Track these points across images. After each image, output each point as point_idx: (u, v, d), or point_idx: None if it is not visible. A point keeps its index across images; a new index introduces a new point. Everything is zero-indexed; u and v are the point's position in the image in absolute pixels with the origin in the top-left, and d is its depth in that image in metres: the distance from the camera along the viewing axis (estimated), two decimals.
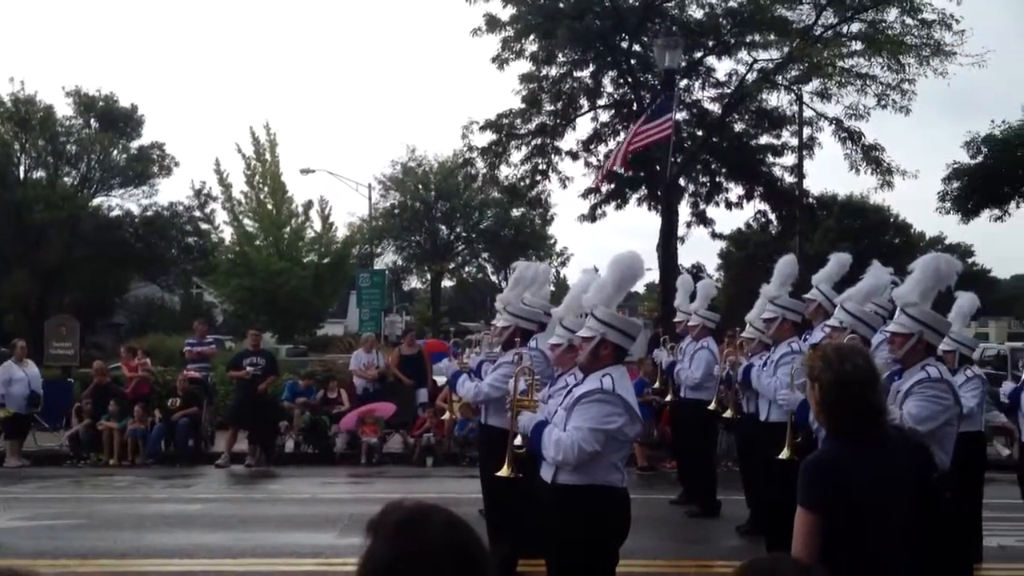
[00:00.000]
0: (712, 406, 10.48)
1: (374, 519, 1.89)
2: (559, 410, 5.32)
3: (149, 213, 41.50)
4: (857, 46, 24.09)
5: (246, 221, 35.87)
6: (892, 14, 23.88)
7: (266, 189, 35.27)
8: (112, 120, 39.59)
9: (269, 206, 35.37)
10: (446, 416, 13.38)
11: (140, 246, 40.06)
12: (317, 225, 38.00)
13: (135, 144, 41.12)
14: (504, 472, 6.34)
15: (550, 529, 5.24)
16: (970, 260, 64.23)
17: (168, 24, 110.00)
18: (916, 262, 6.12)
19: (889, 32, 23.79)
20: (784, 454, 7.44)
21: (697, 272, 27.40)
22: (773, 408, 8.34)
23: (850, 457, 3.50)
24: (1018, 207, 32.78)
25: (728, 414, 10.28)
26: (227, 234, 38.80)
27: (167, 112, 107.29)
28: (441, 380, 16.71)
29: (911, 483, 3.55)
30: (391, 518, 1.88)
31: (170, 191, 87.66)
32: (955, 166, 32.27)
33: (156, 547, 9.43)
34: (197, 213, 42.12)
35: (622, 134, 26.61)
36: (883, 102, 24.29)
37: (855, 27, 24.43)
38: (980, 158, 31.65)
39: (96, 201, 40.62)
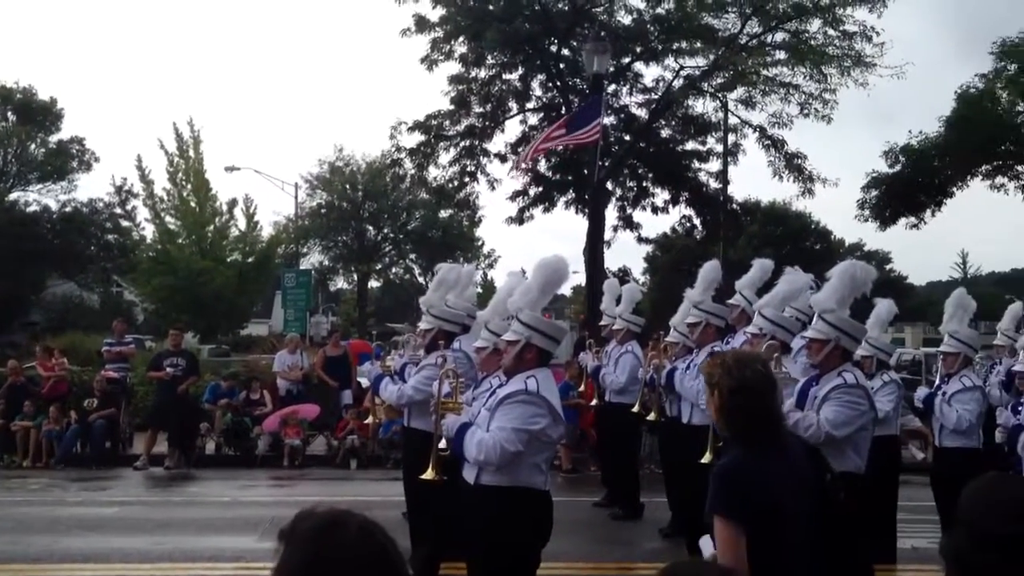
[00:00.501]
0: (636, 409, 10.56)
1: (287, 526, 1.86)
2: (482, 411, 5.33)
3: (68, 209, 40.63)
4: (781, 55, 24.55)
5: (168, 219, 35.23)
6: (815, 25, 24.38)
7: (189, 186, 34.68)
8: (30, 113, 38.66)
9: (192, 204, 34.78)
10: (369, 419, 13.30)
11: (58, 243, 39.17)
12: (242, 224, 37.48)
13: (54, 138, 40.26)
14: (428, 476, 6.33)
15: (472, 531, 5.24)
16: (887, 267, 65.75)
17: (90, 16, 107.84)
18: (833, 269, 6.25)
19: (812, 43, 24.27)
20: (706, 458, 7.52)
21: (623, 276, 27.59)
22: (696, 411, 8.45)
23: (760, 463, 3.57)
24: (933, 215, 33.67)
25: (651, 417, 10.36)
26: (149, 232, 38.07)
27: (87, 106, 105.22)
28: (366, 382, 16.62)
29: (811, 486, 3.66)
30: (305, 525, 1.84)
31: (90, 187, 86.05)
32: (874, 175, 33.03)
33: (71, 551, 9.21)
34: (118, 210, 41.36)
35: (544, 131, 26.78)
36: (805, 111, 24.80)
37: (779, 37, 24.88)
38: (898, 167, 32.44)
39: (12, 196, 39.64)
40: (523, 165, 21.29)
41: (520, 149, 26.60)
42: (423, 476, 6.36)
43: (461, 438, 5.27)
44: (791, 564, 3.52)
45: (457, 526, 5.62)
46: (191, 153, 34.53)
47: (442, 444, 5.99)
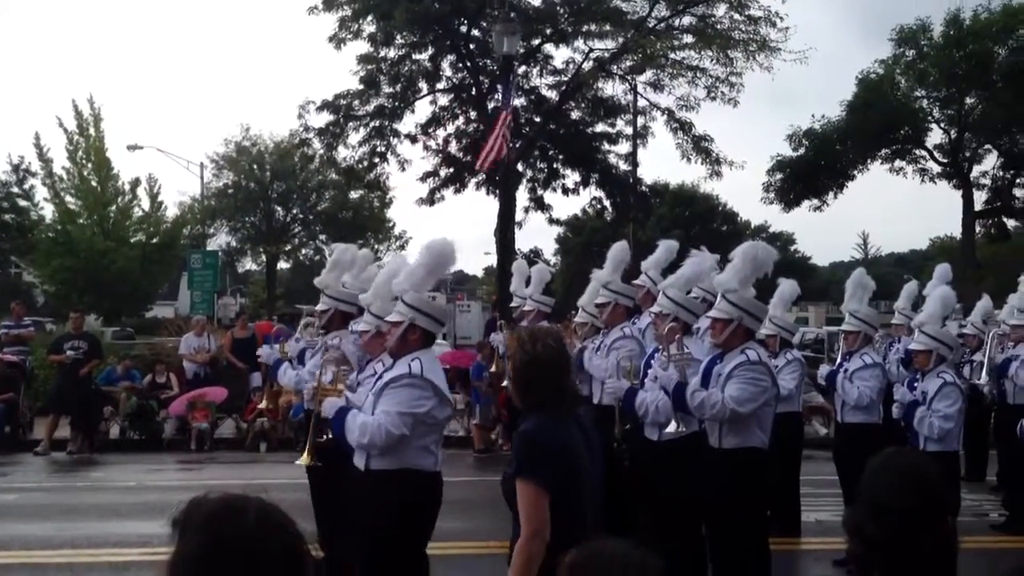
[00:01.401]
0: None
1: (179, 513, 1.80)
2: (368, 396, 5.33)
3: None
4: (688, 39, 24.89)
5: (68, 198, 34.23)
6: (721, 9, 24.79)
7: (90, 165, 33.72)
8: None
9: (93, 183, 33.84)
10: (263, 404, 13.18)
11: None
12: (145, 204, 36.57)
13: None
14: (303, 460, 6.35)
15: (364, 515, 5.25)
16: (792, 248, 67.24)
17: None
18: (736, 250, 6.37)
19: (718, 27, 24.66)
20: (616, 434, 7.61)
21: (534, 257, 27.79)
22: (605, 391, 8.55)
23: (558, 429, 3.72)
24: (835, 198, 34.61)
25: None
26: (48, 212, 36.95)
27: None
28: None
29: (600, 452, 3.84)
30: (200, 511, 1.80)
31: None
32: (778, 158, 33.76)
33: None
34: (15, 189, 40.08)
35: (461, 118, 26.74)
36: (712, 94, 25.21)
37: (687, 20, 25.23)
38: (801, 151, 33.20)
39: None
40: (487, 164, 21.09)
41: (431, 130, 26.55)
42: (298, 461, 6.36)
43: (340, 422, 5.27)
44: (588, 523, 3.65)
45: (345, 513, 5.63)
46: (92, 131, 33.57)
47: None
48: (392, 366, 5.30)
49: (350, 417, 5.22)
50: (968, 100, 31.92)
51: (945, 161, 33.09)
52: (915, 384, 7.54)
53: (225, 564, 1.73)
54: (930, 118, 32.93)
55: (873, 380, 8.14)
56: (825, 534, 8.99)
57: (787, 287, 9.44)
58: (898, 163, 33.73)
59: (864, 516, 2.24)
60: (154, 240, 36.09)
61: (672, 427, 6.41)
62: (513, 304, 12.15)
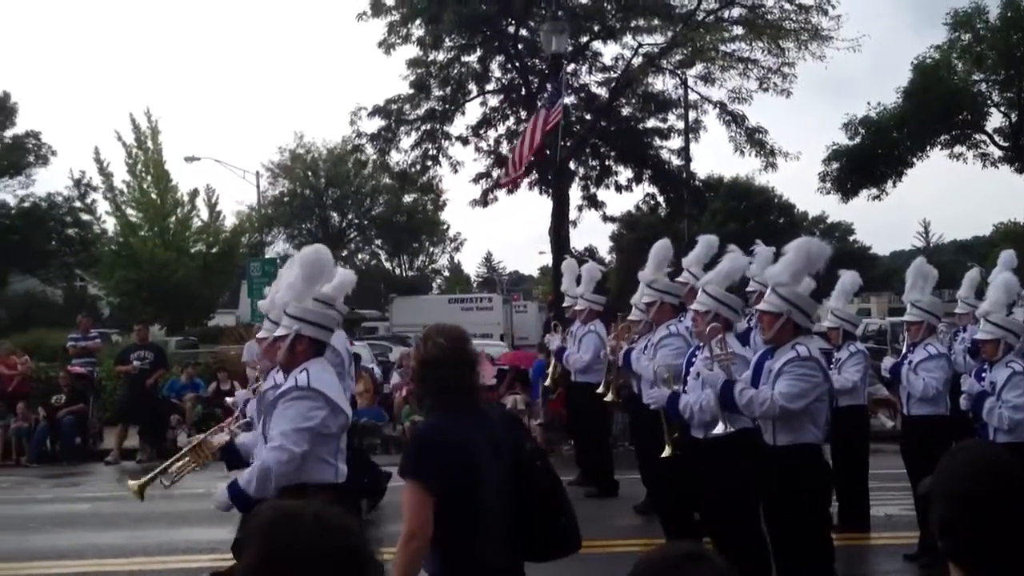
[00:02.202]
0: (600, 389, 10.60)
1: (245, 525, 1.85)
2: (254, 415, 5.31)
3: (26, 204, 40.09)
4: (738, 31, 24.67)
5: (129, 211, 34.83)
6: None
7: (149, 178, 34.28)
8: None
9: (153, 195, 34.40)
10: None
11: (17, 238, 38.63)
12: (204, 214, 37.12)
13: (9, 133, 39.69)
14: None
15: None
16: (851, 238, 66.31)
17: (43, 8, 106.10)
18: (789, 244, 6.28)
19: (768, 17, 24.41)
20: (666, 452, 7.52)
21: (583, 256, 27.71)
22: (648, 399, 8.46)
23: (456, 429, 3.68)
24: (894, 186, 34.04)
25: (609, 397, 10.38)
26: (110, 225, 37.62)
27: (43, 100, 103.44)
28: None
29: (509, 456, 3.72)
30: (256, 521, 1.82)
31: (48, 181, 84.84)
32: (834, 148, 33.32)
33: (43, 549, 9.14)
34: (77, 204, 40.85)
35: (511, 118, 26.77)
36: (764, 85, 24.97)
37: (736, 12, 25.00)
38: (858, 140, 32.73)
39: None
40: (513, 177, 21.14)
41: (482, 132, 26.60)
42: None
43: (237, 454, 5.38)
44: (486, 527, 3.61)
45: None
46: (150, 144, 34.13)
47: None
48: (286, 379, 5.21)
49: (256, 449, 5.16)
50: None
51: (1006, 145, 32.43)
52: (983, 374, 7.38)
53: (284, 571, 1.75)
54: (989, 102, 32.29)
55: (938, 371, 8.00)
56: (895, 529, 8.87)
57: (848, 279, 9.33)
58: (958, 148, 33.11)
59: (955, 512, 2.20)
60: (214, 250, 36.60)
61: (720, 427, 6.34)
62: (565, 304, 12.14)
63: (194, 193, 36.45)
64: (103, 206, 37.96)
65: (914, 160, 33.56)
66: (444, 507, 3.55)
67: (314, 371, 5.07)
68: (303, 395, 4.96)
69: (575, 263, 12.37)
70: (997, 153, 32.79)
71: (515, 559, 3.63)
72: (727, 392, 6.07)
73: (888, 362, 9.09)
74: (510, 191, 27.05)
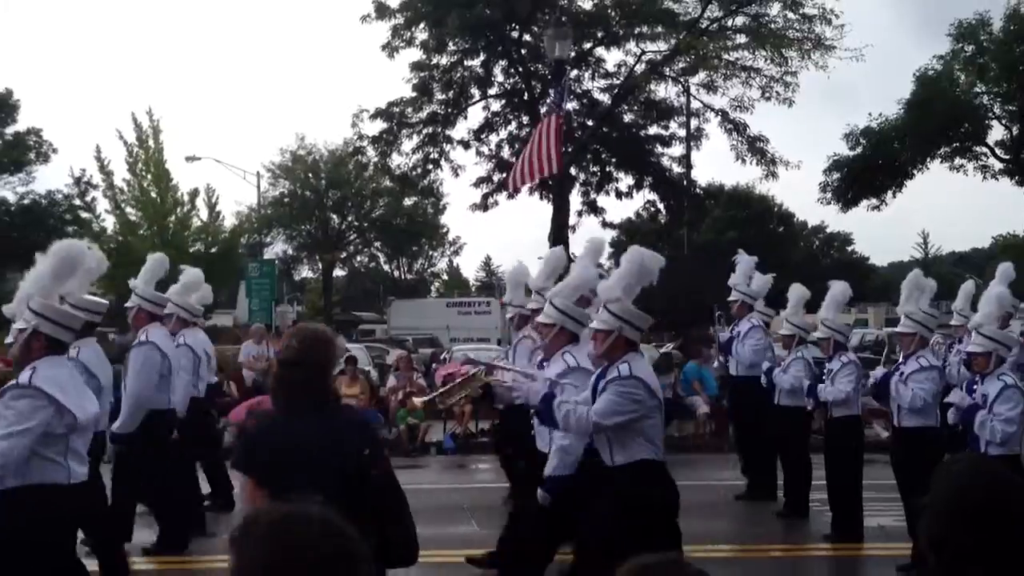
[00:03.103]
0: None
1: (237, 530, 1.82)
2: None
3: (26, 201, 40.06)
4: (741, 39, 24.69)
5: (129, 210, 34.79)
6: (775, 8, 24.57)
7: (149, 177, 34.24)
8: None
9: (153, 194, 34.36)
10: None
11: (16, 235, 38.59)
12: (204, 214, 37.07)
13: (10, 130, 39.62)
14: None
15: None
16: (849, 248, 66.33)
17: (46, 5, 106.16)
18: (623, 256, 6.06)
19: (772, 26, 24.44)
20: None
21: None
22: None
23: (285, 428, 3.75)
24: (894, 197, 34.06)
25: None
26: (109, 223, 37.58)
27: (44, 97, 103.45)
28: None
29: (343, 462, 3.71)
30: (260, 524, 1.82)
31: (48, 179, 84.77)
32: (835, 157, 33.33)
33: None
34: (77, 202, 40.80)
35: (513, 123, 26.76)
36: (767, 94, 24.99)
37: (739, 20, 25.03)
38: (859, 150, 32.74)
39: None
40: (518, 186, 21.10)
41: (484, 136, 26.61)
42: None
43: None
44: None
45: None
46: (151, 143, 34.10)
47: None
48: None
49: None
50: None
51: (1007, 157, 32.44)
52: (974, 387, 7.37)
53: (294, 572, 1.74)
54: (991, 114, 32.32)
55: (928, 383, 7.99)
56: (888, 539, 8.84)
57: (838, 289, 9.41)
58: (958, 160, 33.13)
59: (951, 525, 2.19)
60: (212, 250, 36.56)
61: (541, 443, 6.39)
62: (508, 315, 11.54)
63: (194, 193, 36.41)
64: (103, 204, 37.92)
65: (914, 171, 33.58)
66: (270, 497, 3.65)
67: (42, 369, 4.93)
68: (24, 393, 4.82)
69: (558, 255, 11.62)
70: (998, 165, 32.83)
71: None
72: (547, 407, 5.94)
73: (878, 372, 9.12)
74: (510, 195, 27.07)
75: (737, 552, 9.03)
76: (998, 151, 32.66)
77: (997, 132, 32.50)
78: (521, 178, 18.68)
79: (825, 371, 8.91)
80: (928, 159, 33.05)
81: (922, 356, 8.17)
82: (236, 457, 3.83)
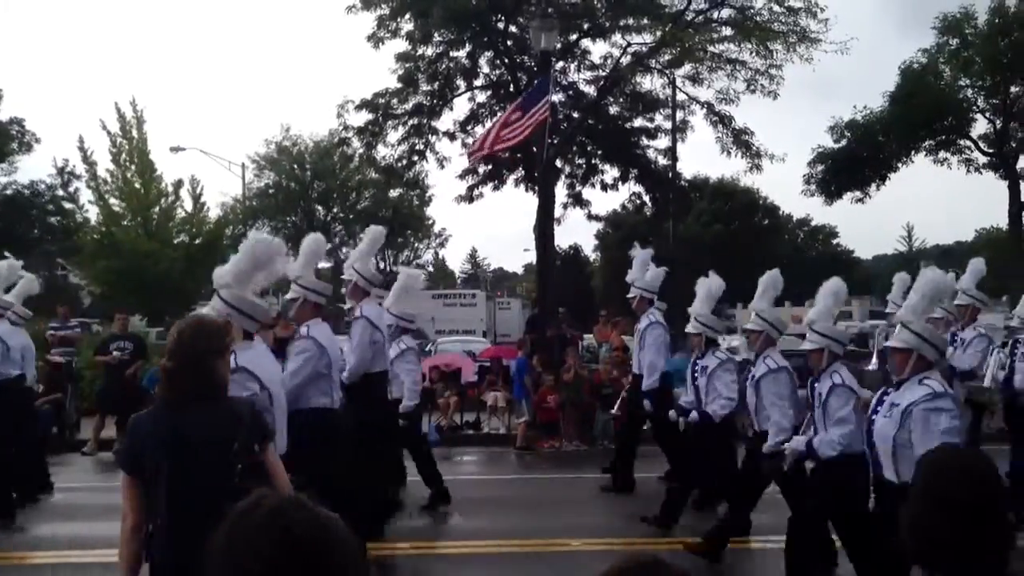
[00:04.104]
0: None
1: (233, 513, 1.90)
2: None
3: (8, 191, 39.87)
4: (727, 32, 24.68)
5: (112, 200, 34.59)
6: (760, 1, 24.54)
7: (133, 168, 34.05)
8: None
9: (137, 185, 34.17)
10: None
11: None
12: (188, 205, 36.91)
13: None
14: None
15: None
16: (834, 241, 66.66)
17: None
18: (243, 244, 5.80)
19: (757, 18, 24.44)
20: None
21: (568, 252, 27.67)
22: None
23: (154, 423, 3.81)
24: (878, 189, 34.21)
25: None
26: (92, 214, 37.40)
27: (28, 87, 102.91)
28: None
29: (214, 449, 3.75)
30: (264, 505, 1.86)
31: (31, 169, 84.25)
32: (819, 150, 33.46)
33: (17, 540, 9.09)
34: (60, 192, 40.63)
35: (499, 115, 26.69)
36: (752, 87, 24.96)
37: (725, 13, 25.01)
38: (843, 142, 32.87)
39: None
40: (479, 154, 21.15)
41: (469, 128, 26.56)
42: None
43: None
44: (177, 517, 3.71)
45: None
46: (134, 133, 33.91)
47: None
48: None
49: None
50: (1013, 89, 31.44)
51: (991, 151, 32.62)
52: (815, 384, 7.06)
53: (298, 556, 1.76)
54: (975, 108, 32.49)
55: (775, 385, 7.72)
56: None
57: (713, 282, 9.30)
58: (942, 154, 33.29)
59: (929, 513, 2.23)
60: (197, 241, 36.40)
61: None
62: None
63: (178, 184, 36.22)
64: (86, 195, 37.76)
65: (898, 164, 33.74)
66: (146, 493, 3.77)
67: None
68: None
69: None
70: (981, 159, 33.00)
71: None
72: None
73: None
74: (496, 187, 27.03)
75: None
76: (982, 145, 32.83)
77: (981, 126, 32.72)
78: (488, 146, 18.86)
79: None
80: (912, 152, 33.22)
81: (769, 356, 7.83)
82: (121, 453, 3.96)
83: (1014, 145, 32.54)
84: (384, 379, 9.17)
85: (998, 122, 32.14)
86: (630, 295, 11.23)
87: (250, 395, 4.86)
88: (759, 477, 7.73)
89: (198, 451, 3.72)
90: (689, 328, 9.22)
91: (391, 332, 9.67)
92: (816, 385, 6.82)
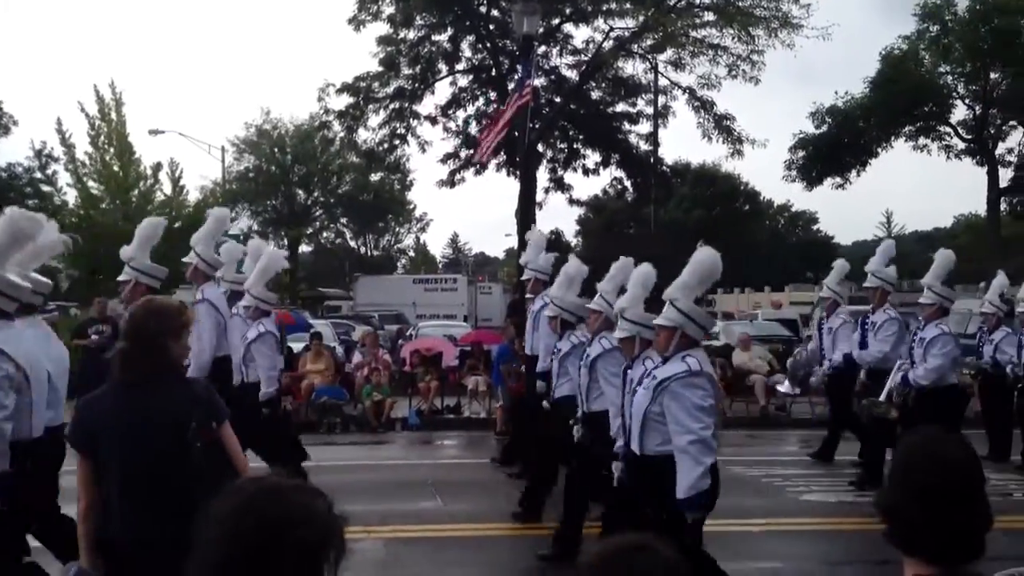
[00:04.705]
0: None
1: (225, 495, 1.88)
2: None
3: None
4: (709, 17, 24.66)
5: (91, 183, 34.31)
6: None
7: (112, 150, 33.78)
8: None
9: (115, 168, 33.89)
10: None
11: None
12: (167, 188, 36.66)
13: None
14: None
15: None
16: (815, 227, 66.88)
17: None
18: None
19: (739, 4, 24.43)
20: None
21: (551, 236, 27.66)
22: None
23: (102, 403, 3.85)
24: (858, 175, 34.35)
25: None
26: (71, 197, 37.13)
27: (4, 69, 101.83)
28: (297, 347, 16.49)
29: (164, 430, 3.76)
30: (256, 487, 1.88)
31: (8, 151, 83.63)
32: (800, 136, 33.53)
33: None
34: (38, 175, 40.30)
35: (480, 99, 26.66)
36: (733, 72, 24.99)
37: None
38: (824, 128, 32.95)
39: None
40: (483, 158, 21.18)
41: (451, 112, 26.50)
42: None
43: None
44: (126, 494, 3.73)
45: None
46: (113, 116, 33.61)
47: None
48: None
49: None
50: (993, 76, 31.58)
51: (970, 137, 32.78)
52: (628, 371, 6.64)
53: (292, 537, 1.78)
54: (955, 94, 32.63)
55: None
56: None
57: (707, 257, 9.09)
58: (922, 140, 33.45)
59: (906, 496, 2.26)
60: (176, 224, 36.06)
61: None
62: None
63: (157, 167, 35.95)
64: (64, 178, 37.43)
65: (879, 150, 33.88)
66: (96, 471, 3.78)
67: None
68: None
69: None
70: (961, 145, 33.17)
71: (165, 530, 3.46)
72: None
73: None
74: (477, 171, 27.00)
75: None
76: (961, 131, 32.99)
77: (960, 112, 32.87)
78: (484, 152, 18.98)
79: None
80: (892, 138, 33.34)
81: (604, 338, 7.59)
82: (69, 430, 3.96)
83: (993, 131, 32.71)
84: (228, 363, 9.16)
85: (977, 108, 32.29)
86: (525, 277, 11.19)
87: (3, 375, 4.89)
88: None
89: (154, 431, 3.74)
90: (548, 311, 9.05)
91: (248, 314, 9.48)
92: (629, 372, 6.53)
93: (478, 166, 26.83)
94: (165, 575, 2.54)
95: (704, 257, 5.99)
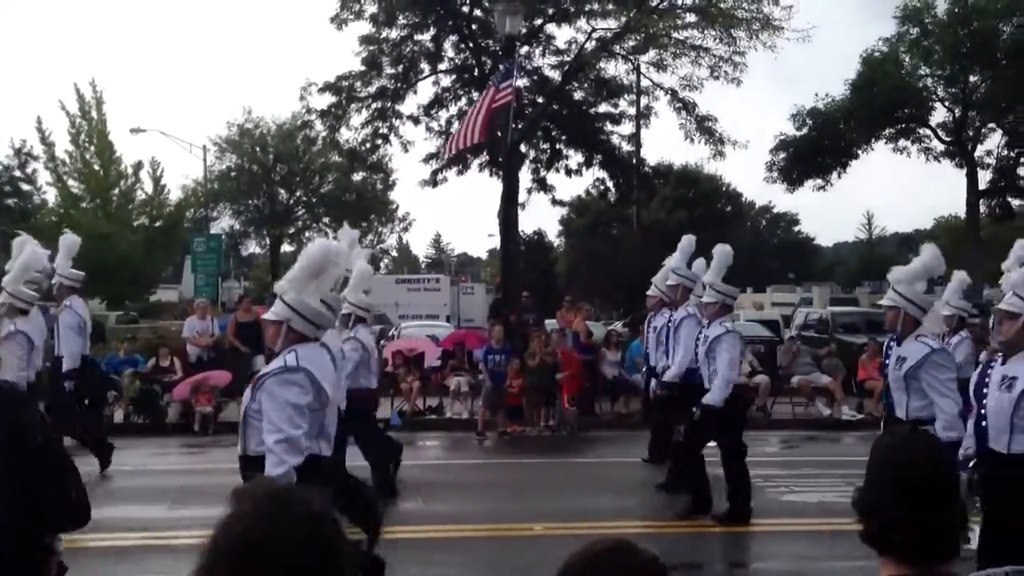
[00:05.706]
0: None
1: (244, 488, 1.84)
2: None
3: None
4: (691, 18, 24.71)
5: (71, 182, 34.22)
6: None
7: (92, 149, 33.68)
8: None
9: (96, 167, 33.80)
10: None
11: None
12: (148, 187, 36.59)
13: None
14: None
15: None
16: (796, 228, 67.17)
17: None
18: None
19: (721, 5, 24.49)
20: None
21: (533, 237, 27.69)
22: None
23: None
24: (839, 177, 34.51)
25: None
26: (51, 195, 36.97)
27: None
28: None
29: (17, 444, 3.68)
30: (261, 490, 1.83)
31: None
32: (781, 137, 33.67)
33: None
34: (17, 173, 40.09)
35: (463, 99, 26.63)
36: (716, 74, 25.03)
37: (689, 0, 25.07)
38: (804, 130, 33.10)
39: None
40: (452, 151, 21.16)
41: (434, 112, 26.47)
42: None
43: None
44: None
45: None
46: (94, 114, 33.53)
47: None
48: None
49: None
50: (972, 78, 31.77)
51: (949, 140, 32.98)
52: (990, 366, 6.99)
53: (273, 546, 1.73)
54: (934, 97, 32.81)
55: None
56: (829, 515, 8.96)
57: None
58: (902, 142, 33.62)
59: (883, 496, 2.28)
60: (157, 224, 36.07)
61: None
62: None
63: (138, 165, 35.90)
64: (44, 176, 37.31)
65: (859, 152, 34.05)
66: None
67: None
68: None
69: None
70: (940, 148, 33.36)
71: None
72: None
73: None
74: (460, 171, 26.97)
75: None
76: (941, 133, 33.19)
77: (940, 114, 33.05)
78: (454, 146, 19.07)
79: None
80: (873, 140, 33.51)
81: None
82: None
83: (972, 134, 32.92)
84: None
85: (957, 111, 32.48)
86: (670, 282, 11.00)
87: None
88: None
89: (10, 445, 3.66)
90: (707, 297, 9.44)
91: (3, 312, 9.93)
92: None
93: (460, 167, 26.81)
94: None
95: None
